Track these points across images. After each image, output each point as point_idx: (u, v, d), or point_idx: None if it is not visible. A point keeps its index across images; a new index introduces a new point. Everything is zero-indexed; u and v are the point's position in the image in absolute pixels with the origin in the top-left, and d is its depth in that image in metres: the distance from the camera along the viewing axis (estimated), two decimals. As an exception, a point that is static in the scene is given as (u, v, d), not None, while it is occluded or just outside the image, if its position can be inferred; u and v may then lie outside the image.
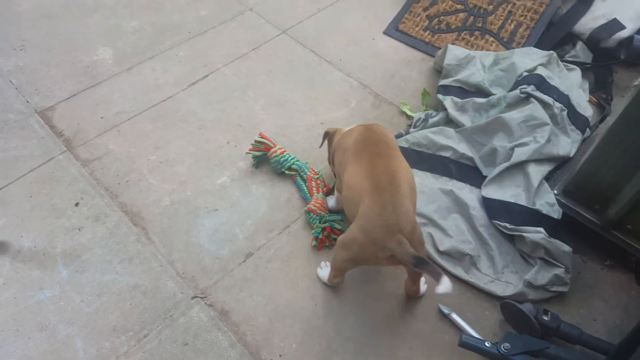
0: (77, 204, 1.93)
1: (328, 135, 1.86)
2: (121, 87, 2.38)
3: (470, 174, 1.99)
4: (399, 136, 2.13)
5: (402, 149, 2.06)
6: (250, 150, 2.04)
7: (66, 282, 1.72)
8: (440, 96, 2.22)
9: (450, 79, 2.25)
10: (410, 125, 2.22)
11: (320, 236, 1.81)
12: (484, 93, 2.18)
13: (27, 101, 2.29)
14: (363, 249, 1.45)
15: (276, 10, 2.82)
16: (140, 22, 2.71)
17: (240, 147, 2.15)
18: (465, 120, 2.10)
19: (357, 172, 1.53)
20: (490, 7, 2.59)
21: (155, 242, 1.83)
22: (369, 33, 2.70)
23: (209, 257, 1.80)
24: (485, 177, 1.94)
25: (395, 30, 2.69)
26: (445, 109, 2.16)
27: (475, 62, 2.26)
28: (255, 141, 2.03)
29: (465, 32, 2.58)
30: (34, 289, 1.71)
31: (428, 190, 1.94)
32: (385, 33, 2.70)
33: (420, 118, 2.18)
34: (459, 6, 2.64)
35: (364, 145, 1.60)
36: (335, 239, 1.74)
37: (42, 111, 2.25)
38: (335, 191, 1.88)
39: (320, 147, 1.90)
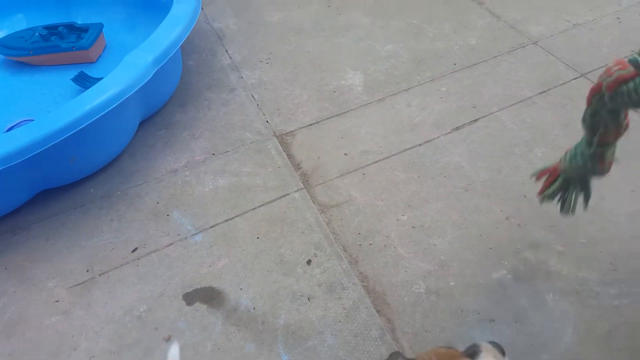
0: (309, 262, 1.51)
1: None
2: (370, 120, 1.96)
3: None
4: None
5: None
6: (554, 240, 1.40)
7: (285, 374, 1.29)
8: None
9: None
10: None
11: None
12: None
13: (267, 121, 2.00)
14: None
15: (571, 47, 2.15)
16: (396, 46, 2.30)
17: (526, 227, 1.53)
18: None
19: None
20: None
21: (404, 348, 1.30)
22: None
23: (483, 396, 1.20)
24: None
25: None
26: None
27: None
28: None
29: None
30: (245, 370, 1.31)
31: None
32: None
33: None
34: None
35: None
36: None
37: (281, 135, 1.94)
38: None
39: None
